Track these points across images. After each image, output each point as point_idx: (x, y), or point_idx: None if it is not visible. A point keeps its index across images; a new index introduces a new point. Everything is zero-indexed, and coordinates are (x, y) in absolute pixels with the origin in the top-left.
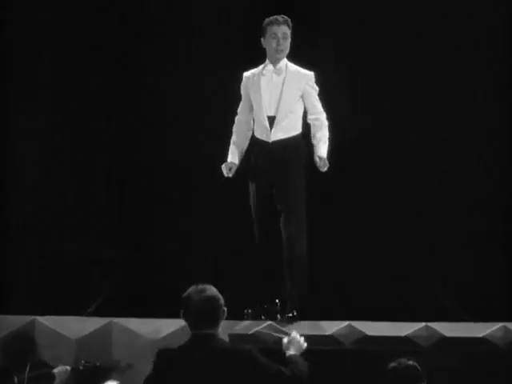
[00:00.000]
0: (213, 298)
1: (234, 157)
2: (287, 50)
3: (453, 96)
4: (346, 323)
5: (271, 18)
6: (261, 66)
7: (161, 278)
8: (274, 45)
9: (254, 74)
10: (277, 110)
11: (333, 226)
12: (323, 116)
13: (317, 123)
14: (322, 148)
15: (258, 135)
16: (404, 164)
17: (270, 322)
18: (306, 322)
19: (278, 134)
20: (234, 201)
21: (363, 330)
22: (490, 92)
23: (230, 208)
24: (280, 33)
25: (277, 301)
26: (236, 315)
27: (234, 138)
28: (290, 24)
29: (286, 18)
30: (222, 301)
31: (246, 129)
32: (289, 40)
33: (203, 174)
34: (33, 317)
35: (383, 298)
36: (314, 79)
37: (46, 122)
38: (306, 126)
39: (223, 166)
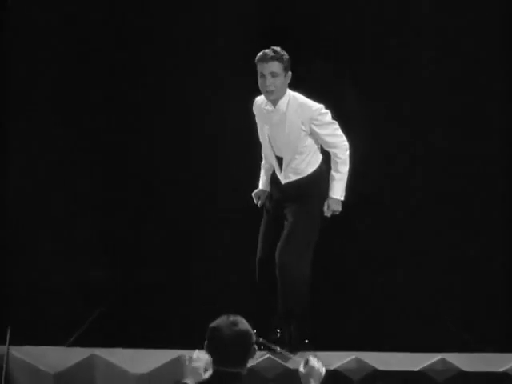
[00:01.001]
0: (246, 334)
1: (263, 183)
2: (280, 89)
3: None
4: (353, 356)
5: (261, 53)
6: (265, 101)
7: (148, 304)
8: (261, 84)
9: (259, 107)
10: (284, 152)
11: (338, 248)
12: (339, 150)
13: (333, 158)
14: (335, 187)
15: (275, 170)
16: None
17: (268, 355)
18: (307, 354)
19: (290, 175)
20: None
21: (372, 364)
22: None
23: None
24: (267, 71)
25: (278, 330)
26: None
27: (263, 162)
28: (284, 58)
29: (278, 52)
30: (254, 337)
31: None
32: (281, 77)
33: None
34: (5, 347)
35: (394, 325)
36: (320, 114)
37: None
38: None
39: (253, 194)
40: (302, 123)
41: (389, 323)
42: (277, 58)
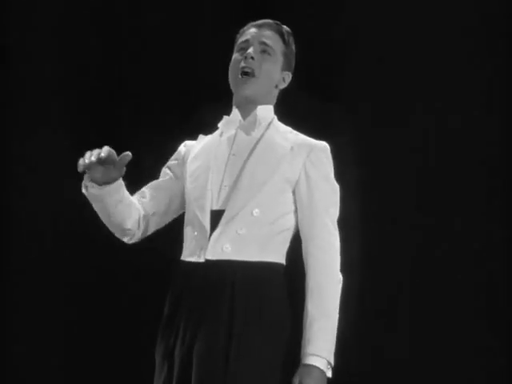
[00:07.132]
0: None
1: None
2: (267, 80)
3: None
4: None
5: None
6: (220, 125)
7: None
8: (237, 60)
9: (201, 139)
10: (233, 198)
11: None
12: (328, 247)
13: (310, 271)
14: (311, 343)
15: (188, 255)
16: None
17: None
18: None
19: (226, 246)
20: None
21: None
22: None
23: None
24: (256, 39)
25: None
26: None
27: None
28: (291, 43)
29: (284, 28)
30: None
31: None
32: (275, 61)
33: None
34: None
35: None
36: (325, 150)
37: None
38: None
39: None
40: (291, 158)
41: None
42: (280, 32)
